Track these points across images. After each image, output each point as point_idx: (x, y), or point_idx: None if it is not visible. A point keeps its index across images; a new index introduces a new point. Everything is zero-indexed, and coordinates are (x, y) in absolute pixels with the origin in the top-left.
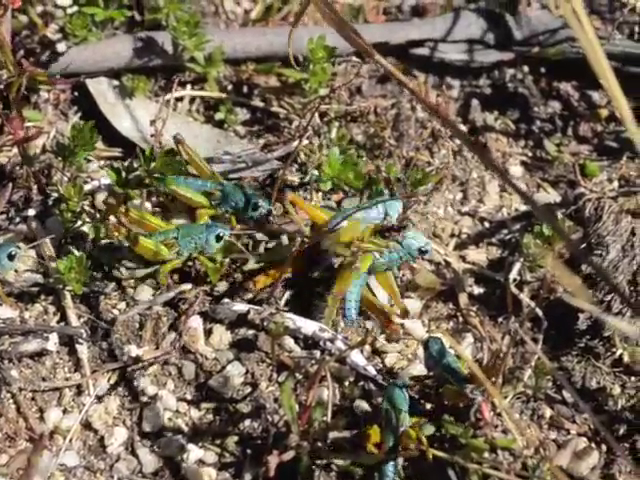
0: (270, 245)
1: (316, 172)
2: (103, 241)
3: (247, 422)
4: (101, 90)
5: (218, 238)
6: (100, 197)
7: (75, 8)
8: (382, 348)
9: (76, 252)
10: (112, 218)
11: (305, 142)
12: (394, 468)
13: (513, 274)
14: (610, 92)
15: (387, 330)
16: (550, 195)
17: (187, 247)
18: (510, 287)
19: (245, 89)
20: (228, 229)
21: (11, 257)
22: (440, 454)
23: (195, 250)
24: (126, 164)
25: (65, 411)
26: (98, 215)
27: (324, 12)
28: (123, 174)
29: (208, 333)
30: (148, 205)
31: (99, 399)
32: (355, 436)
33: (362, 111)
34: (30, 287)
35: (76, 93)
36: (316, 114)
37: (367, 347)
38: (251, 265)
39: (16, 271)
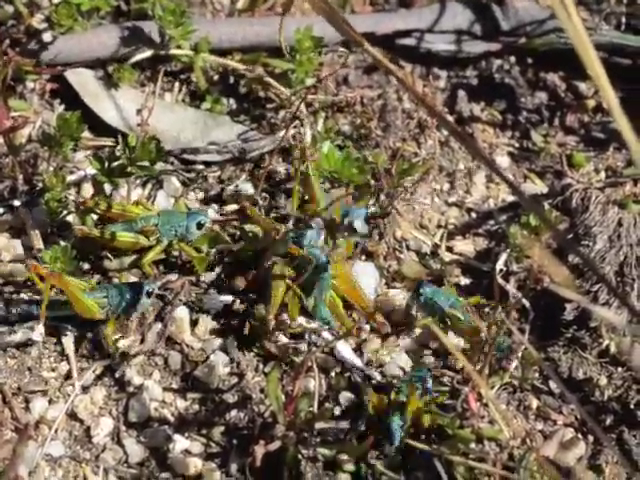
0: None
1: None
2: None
3: (233, 412)
4: (82, 81)
5: (199, 225)
6: (86, 187)
7: None
8: (368, 339)
9: (62, 242)
10: (78, 227)
11: (291, 132)
12: (400, 426)
13: (500, 264)
14: (597, 83)
15: (372, 323)
16: (537, 186)
17: (167, 234)
18: (497, 277)
19: (231, 79)
20: (209, 216)
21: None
22: (426, 447)
23: (175, 237)
24: (109, 152)
25: (51, 401)
26: (82, 206)
27: (314, 1)
28: (106, 163)
29: (194, 323)
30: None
31: (85, 389)
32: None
33: (348, 101)
34: (16, 277)
35: (62, 83)
36: (302, 104)
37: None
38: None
39: (1, 261)
